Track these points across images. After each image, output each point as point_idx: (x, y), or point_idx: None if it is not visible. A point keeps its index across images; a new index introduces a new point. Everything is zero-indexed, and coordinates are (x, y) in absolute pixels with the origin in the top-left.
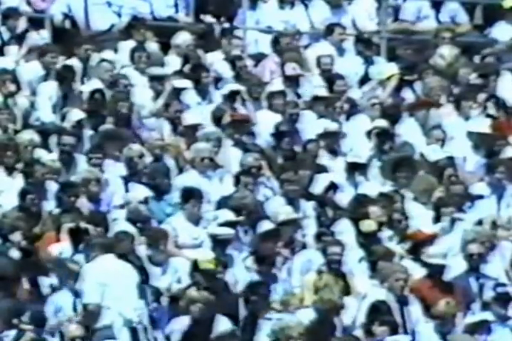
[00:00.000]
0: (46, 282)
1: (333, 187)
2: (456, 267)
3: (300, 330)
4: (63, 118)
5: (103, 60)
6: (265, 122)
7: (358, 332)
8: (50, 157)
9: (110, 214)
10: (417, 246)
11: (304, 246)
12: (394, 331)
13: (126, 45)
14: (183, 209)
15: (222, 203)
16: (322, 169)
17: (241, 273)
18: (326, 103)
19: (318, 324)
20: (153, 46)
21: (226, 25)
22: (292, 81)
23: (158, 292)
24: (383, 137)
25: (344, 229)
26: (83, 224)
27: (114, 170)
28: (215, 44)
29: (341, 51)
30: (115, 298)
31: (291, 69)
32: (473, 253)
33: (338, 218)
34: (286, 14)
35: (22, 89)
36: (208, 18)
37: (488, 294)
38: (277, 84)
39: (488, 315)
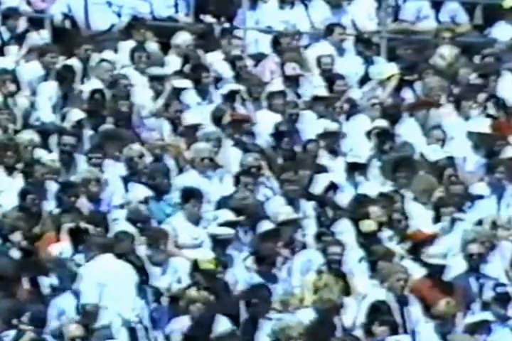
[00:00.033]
0: (46, 282)
1: (333, 187)
2: (456, 267)
3: (300, 330)
4: (63, 118)
5: (103, 60)
6: (265, 122)
7: (358, 332)
8: (50, 157)
9: (110, 214)
10: (417, 246)
11: (304, 246)
12: (394, 331)
13: (126, 45)
14: (183, 209)
15: (222, 203)
16: (322, 169)
17: (241, 273)
18: (326, 103)
19: (318, 324)
20: (153, 46)
21: (226, 25)
22: (292, 81)
23: (158, 292)
24: (383, 137)
25: (344, 229)
26: (83, 224)
27: (114, 170)
28: (215, 44)
29: (341, 51)
30: (113, 298)
31: (291, 69)
32: (473, 253)
33: (338, 218)
34: (286, 14)
35: (22, 89)
36: (208, 18)
37: (488, 294)
38: (277, 84)
39: (488, 315)
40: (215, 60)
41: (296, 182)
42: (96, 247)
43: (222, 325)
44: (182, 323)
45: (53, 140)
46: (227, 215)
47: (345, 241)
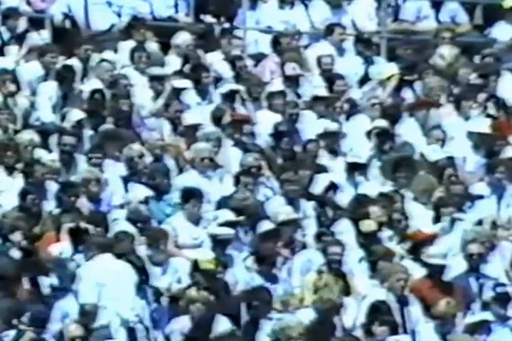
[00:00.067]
0: (46, 282)
1: (333, 187)
2: (456, 267)
3: (300, 330)
4: (63, 118)
5: (103, 60)
6: (265, 122)
7: (358, 332)
8: (50, 157)
9: (110, 214)
10: (417, 246)
11: (304, 246)
12: (394, 331)
13: (126, 45)
14: (183, 209)
15: (222, 203)
16: (322, 169)
17: (241, 273)
18: (326, 103)
19: (318, 324)
20: (153, 46)
21: (226, 25)
22: (292, 81)
23: (158, 292)
24: (383, 137)
25: (344, 229)
26: (83, 224)
27: (114, 170)
28: (215, 44)
29: (341, 51)
30: (112, 298)
31: (291, 69)
32: (473, 253)
33: (338, 218)
34: (286, 14)
35: (22, 89)
36: (208, 18)
37: (488, 294)
38: (277, 84)
39: (488, 315)
40: (215, 60)
41: (296, 182)
42: (96, 247)
43: (222, 325)
44: (182, 323)
45: (53, 140)
46: (227, 215)
47: (345, 241)
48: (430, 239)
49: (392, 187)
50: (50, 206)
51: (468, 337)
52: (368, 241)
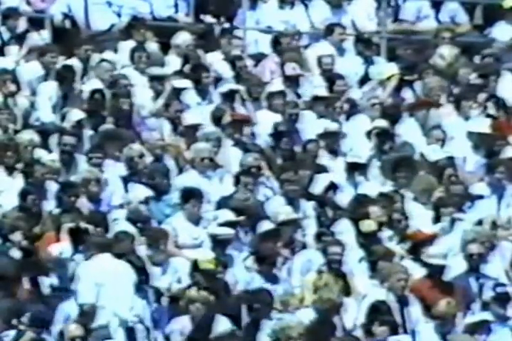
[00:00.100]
0: (46, 282)
1: (333, 187)
2: (456, 267)
3: (300, 330)
4: (63, 118)
5: (103, 60)
6: (265, 122)
7: (358, 332)
8: (50, 157)
9: (110, 214)
10: (417, 246)
11: (304, 246)
12: (394, 331)
13: (126, 45)
14: (183, 210)
15: (222, 203)
16: (322, 169)
17: (241, 273)
18: (326, 103)
19: (318, 324)
20: (153, 46)
21: (226, 25)
22: (292, 81)
23: (158, 292)
24: (383, 137)
25: (344, 229)
26: (83, 224)
27: (114, 170)
28: (215, 44)
29: (341, 51)
30: (111, 298)
31: (291, 69)
32: (473, 253)
33: (338, 218)
34: (286, 14)
35: (22, 89)
36: (208, 18)
37: (488, 294)
38: (277, 84)
39: (488, 315)
40: (215, 60)
41: (296, 182)
42: (96, 247)
43: (222, 325)
44: (182, 323)
45: (53, 140)
46: (227, 215)
47: (345, 241)
48: (430, 239)
49: (392, 187)
50: (50, 206)
51: (468, 337)
52: (367, 241)
